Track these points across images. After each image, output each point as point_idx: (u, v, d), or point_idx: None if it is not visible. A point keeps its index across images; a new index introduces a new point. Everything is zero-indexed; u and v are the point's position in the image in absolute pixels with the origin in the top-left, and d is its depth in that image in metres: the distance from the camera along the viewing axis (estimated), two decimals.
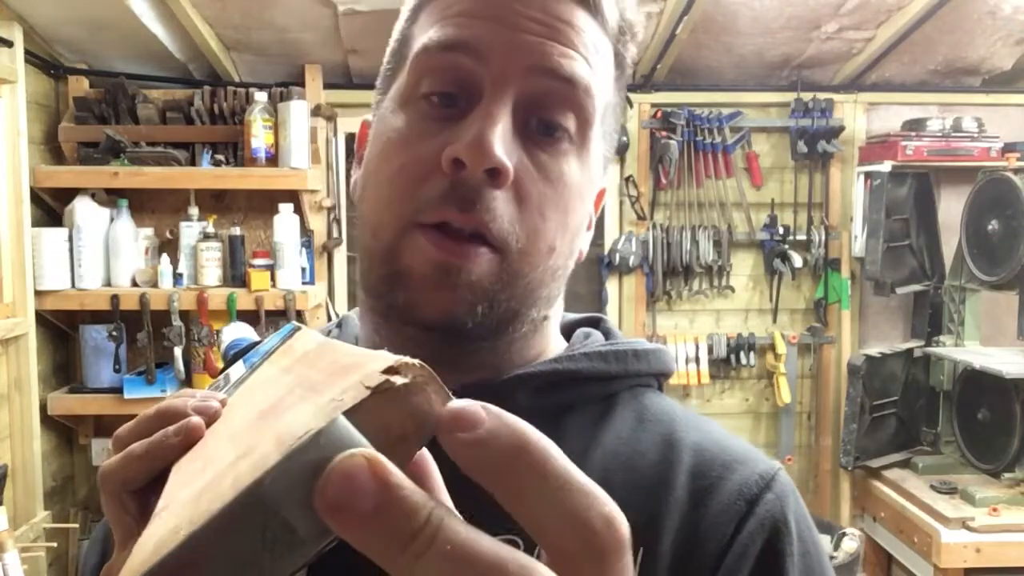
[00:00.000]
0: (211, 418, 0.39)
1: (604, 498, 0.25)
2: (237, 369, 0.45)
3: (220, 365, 2.17)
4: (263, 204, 2.90)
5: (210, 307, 2.70)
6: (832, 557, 2.94)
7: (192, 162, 2.83)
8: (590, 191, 0.59)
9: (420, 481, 0.26)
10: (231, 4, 2.63)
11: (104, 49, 2.86)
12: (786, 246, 3.35)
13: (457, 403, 0.25)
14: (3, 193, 2.50)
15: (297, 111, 2.76)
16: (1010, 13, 2.90)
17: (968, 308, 3.19)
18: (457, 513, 0.24)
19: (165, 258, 2.76)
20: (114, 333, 2.74)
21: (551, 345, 0.62)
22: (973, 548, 2.62)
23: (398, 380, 0.26)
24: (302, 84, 2.99)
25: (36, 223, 2.65)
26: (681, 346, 3.35)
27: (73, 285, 2.70)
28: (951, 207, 3.32)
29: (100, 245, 2.74)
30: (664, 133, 3.31)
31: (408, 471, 0.25)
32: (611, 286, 3.41)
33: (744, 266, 3.45)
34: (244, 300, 2.71)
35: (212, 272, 2.76)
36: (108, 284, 2.76)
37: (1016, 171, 2.91)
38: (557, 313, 0.63)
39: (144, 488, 0.40)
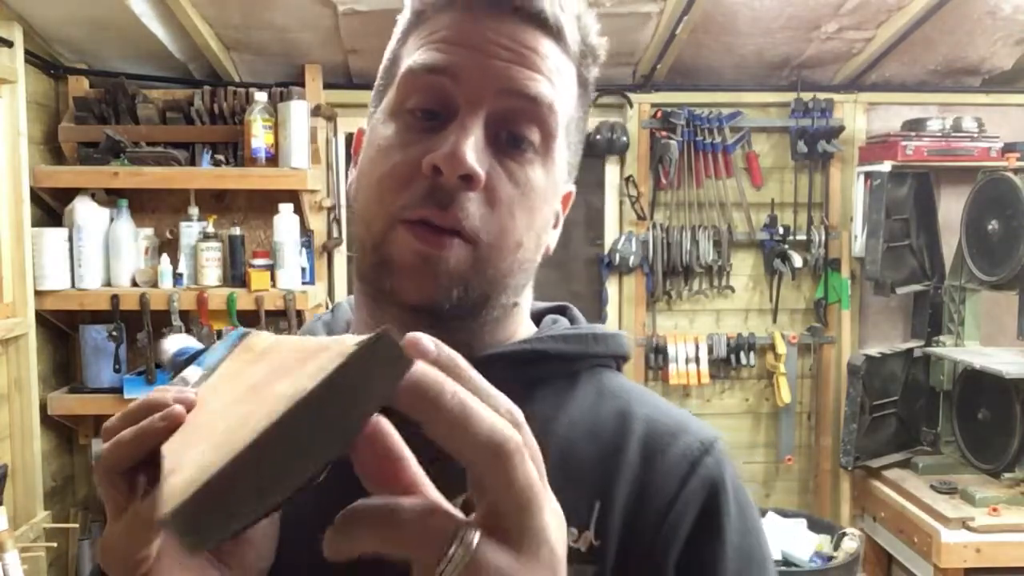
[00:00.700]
0: (189, 407, 0.47)
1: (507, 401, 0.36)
2: (192, 372, 0.52)
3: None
4: (263, 204, 2.90)
5: (210, 307, 2.70)
6: (832, 557, 2.93)
7: (192, 162, 2.83)
8: (554, 194, 0.67)
9: (391, 449, 0.35)
10: (231, 4, 2.63)
11: (104, 49, 2.86)
12: (786, 246, 3.35)
13: (413, 335, 0.35)
14: (3, 193, 2.50)
15: (297, 111, 2.76)
16: (1010, 13, 2.90)
17: (968, 308, 3.19)
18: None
19: (165, 258, 2.76)
20: (114, 333, 2.74)
21: (521, 329, 0.71)
22: (973, 548, 2.62)
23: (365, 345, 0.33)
24: (302, 84, 2.99)
25: (36, 223, 2.65)
26: (681, 346, 3.35)
27: (73, 285, 2.70)
28: (951, 207, 3.32)
29: (100, 245, 2.74)
30: (664, 133, 3.31)
31: (382, 444, 0.35)
32: (611, 286, 3.41)
33: (744, 266, 3.45)
34: (244, 300, 2.71)
35: (212, 272, 2.76)
36: (108, 284, 2.76)
37: (1016, 171, 2.91)
38: (527, 301, 0.72)
39: (130, 470, 0.48)
